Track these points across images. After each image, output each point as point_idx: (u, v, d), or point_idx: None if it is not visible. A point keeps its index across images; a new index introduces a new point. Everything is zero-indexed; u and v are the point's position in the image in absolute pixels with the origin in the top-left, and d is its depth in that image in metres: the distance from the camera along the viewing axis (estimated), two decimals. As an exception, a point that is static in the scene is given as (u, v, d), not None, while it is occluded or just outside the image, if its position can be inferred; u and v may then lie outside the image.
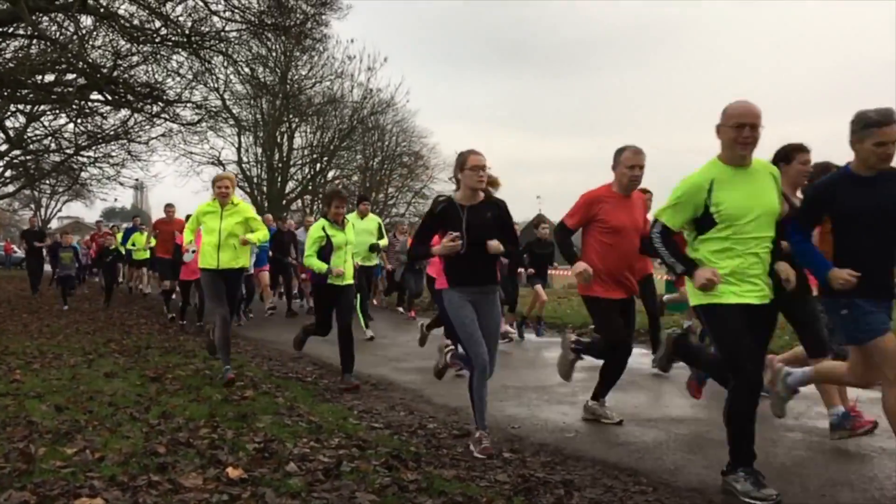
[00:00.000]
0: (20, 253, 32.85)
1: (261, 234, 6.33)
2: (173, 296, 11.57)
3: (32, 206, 41.51)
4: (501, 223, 4.27)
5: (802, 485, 3.57)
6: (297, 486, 3.22)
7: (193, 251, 6.16)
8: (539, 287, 9.42)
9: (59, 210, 43.38)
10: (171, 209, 11.60)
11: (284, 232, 12.62)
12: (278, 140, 28.16)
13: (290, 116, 27.40)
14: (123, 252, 15.08)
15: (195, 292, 10.44)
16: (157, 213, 38.49)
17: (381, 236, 9.71)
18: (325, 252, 6.22)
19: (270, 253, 11.98)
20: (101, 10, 14.69)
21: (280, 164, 28.37)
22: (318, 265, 6.12)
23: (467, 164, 4.19)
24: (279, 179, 28.22)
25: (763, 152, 3.74)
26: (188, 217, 14.11)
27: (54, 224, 39.83)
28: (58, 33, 15.38)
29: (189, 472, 3.35)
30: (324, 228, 6.28)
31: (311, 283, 6.79)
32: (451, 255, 4.09)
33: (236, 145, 27.56)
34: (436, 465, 3.69)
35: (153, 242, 12.43)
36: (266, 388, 5.73)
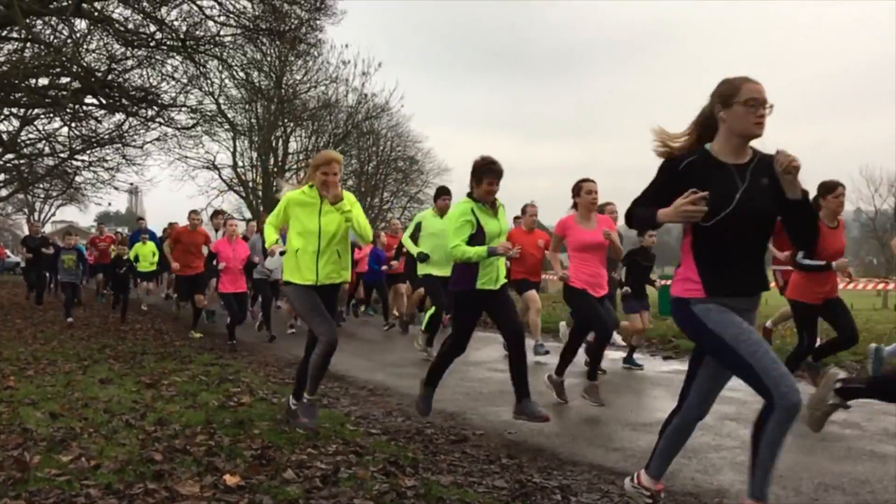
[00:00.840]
0: (13, 258, 32.66)
1: (368, 234, 4.76)
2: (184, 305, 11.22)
3: (26, 210, 41.38)
4: (778, 195, 2.69)
5: (795, 488, 3.59)
6: (294, 493, 3.22)
7: (282, 252, 4.61)
8: (645, 315, 7.50)
9: (53, 214, 43.28)
10: (198, 217, 10.38)
11: None
12: (273, 144, 28.15)
13: (285, 121, 27.39)
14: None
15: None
16: (151, 218, 38.32)
17: None
18: (476, 243, 4.57)
19: None
20: (96, 14, 14.68)
21: (275, 169, 28.34)
22: (477, 250, 4.46)
23: (740, 94, 2.67)
24: (274, 184, 28.19)
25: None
26: (165, 228, 13.77)
27: (48, 228, 39.64)
28: (52, 37, 15.36)
29: (186, 480, 3.35)
30: (473, 211, 4.61)
31: (451, 290, 4.83)
32: (689, 221, 2.64)
33: (231, 149, 27.56)
34: (433, 471, 3.70)
35: (168, 251, 10.89)
36: (263, 393, 5.73)
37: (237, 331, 9.05)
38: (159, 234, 15.38)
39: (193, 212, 10.56)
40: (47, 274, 15.02)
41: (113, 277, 12.61)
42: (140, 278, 13.96)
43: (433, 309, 7.87)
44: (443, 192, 8.21)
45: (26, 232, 20.04)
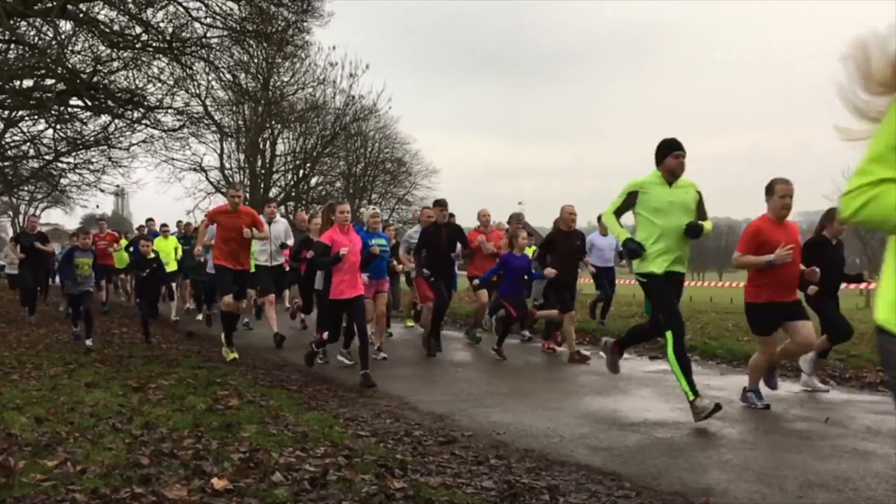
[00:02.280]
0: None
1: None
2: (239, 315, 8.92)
3: (10, 213, 40.99)
4: None
5: (780, 487, 3.63)
6: (283, 496, 3.22)
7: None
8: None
9: (38, 217, 42.85)
10: (239, 193, 8.06)
11: (442, 226, 8.45)
12: (261, 146, 28.06)
13: (273, 123, 27.30)
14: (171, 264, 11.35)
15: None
16: (138, 221, 37.90)
17: (702, 215, 5.33)
18: None
19: (398, 262, 8.89)
20: (81, 15, 14.58)
21: (263, 171, 28.27)
22: None
23: None
24: (262, 186, 28.10)
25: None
26: (164, 226, 12.48)
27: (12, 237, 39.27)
28: (36, 38, 15.25)
29: (173, 484, 3.33)
30: None
31: None
32: None
33: (218, 151, 27.43)
34: (422, 473, 3.71)
35: (208, 241, 8.66)
36: (251, 396, 5.70)
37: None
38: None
39: (232, 187, 8.39)
40: (48, 279, 13.11)
41: (137, 283, 9.79)
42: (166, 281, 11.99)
43: (671, 337, 5.01)
44: (673, 147, 5.10)
45: (10, 233, 19.37)
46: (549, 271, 7.97)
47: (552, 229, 8.91)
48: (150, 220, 13.48)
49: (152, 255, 9.37)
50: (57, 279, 13.29)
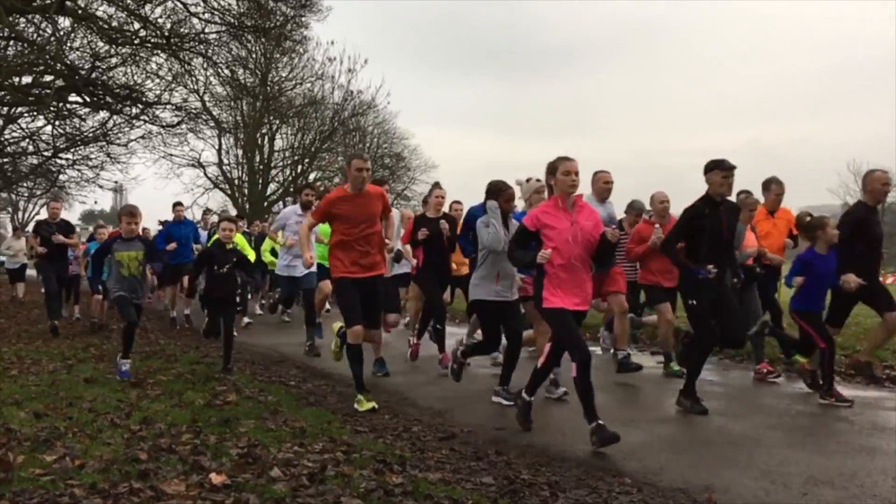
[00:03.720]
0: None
1: None
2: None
3: (10, 209, 41.00)
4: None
5: (784, 483, 3.61)
6: (281, 491, 3.19)
7: None
8: None
9: (38, 213, 42.83)
10: (366, 165, 5.47)
11: (721, 203, 5.34)
12: (259, 142, 28.05)
13: (271, 118, 27.29)
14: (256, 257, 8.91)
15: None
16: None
17: None
18: None
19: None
20: (80, 11, 14.54)
21: (261, 166, 28.25)
22: None
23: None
24: (260, 181, 28.10)
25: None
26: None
27: (31, 228, 39.19)
28: (35, 34, 15.20)
29: (171, 479, 3.31)
30: None
31: None
32: None
33: (217, 147, 27.44)
34: (421, 469, 3.68)
35: (306, 233, 5.95)
36: (249, 392, 5.68)
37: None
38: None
39: (359, 157, 5.54)
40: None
41: (207, 284, 7.07)
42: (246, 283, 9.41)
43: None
44: None
45: (10, 229, 19.08)
46: (852, 279, 5.51)
47: (857, 208, 6.09)
48: (177, 204, 10.83)
49: (231, 246, 6.91)
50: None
